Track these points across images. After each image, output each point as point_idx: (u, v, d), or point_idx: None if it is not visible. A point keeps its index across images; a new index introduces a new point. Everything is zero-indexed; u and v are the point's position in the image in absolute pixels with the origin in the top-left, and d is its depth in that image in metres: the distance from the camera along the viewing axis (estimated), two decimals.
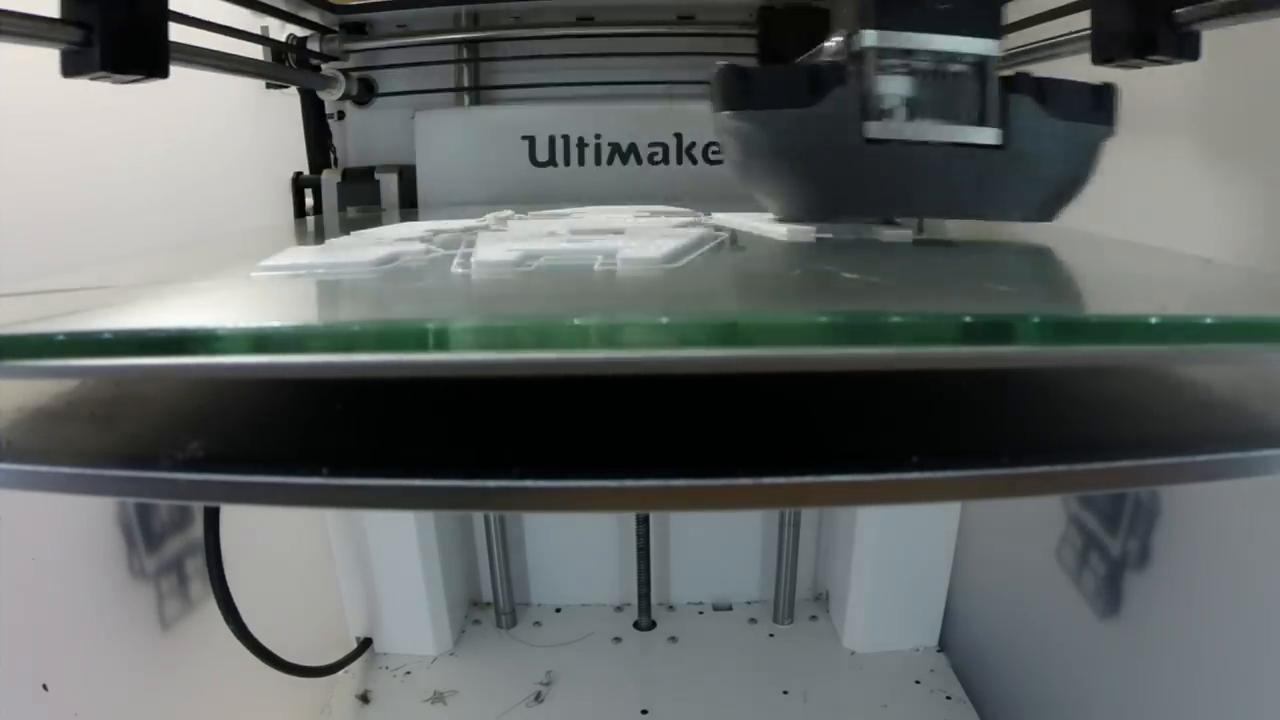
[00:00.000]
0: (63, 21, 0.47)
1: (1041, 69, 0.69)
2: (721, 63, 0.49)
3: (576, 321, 0.25)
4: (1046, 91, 0.48)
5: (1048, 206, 0.51)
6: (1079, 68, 0.55)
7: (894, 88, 0.48)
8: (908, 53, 0.48)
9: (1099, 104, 0.49)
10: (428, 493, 0.26)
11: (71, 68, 0.49)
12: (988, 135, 0.48)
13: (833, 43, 0.50)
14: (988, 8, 0.49)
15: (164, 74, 0.53)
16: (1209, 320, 0.27)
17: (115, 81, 0.51)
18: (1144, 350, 0.27)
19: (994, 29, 0.49)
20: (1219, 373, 0.35)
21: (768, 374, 0.27)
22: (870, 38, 0.47)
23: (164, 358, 0.25)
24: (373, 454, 0.28)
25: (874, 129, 0.48)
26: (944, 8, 0.47)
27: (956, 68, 0.48)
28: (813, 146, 0.48)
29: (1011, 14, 0.74)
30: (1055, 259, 0.53)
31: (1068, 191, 0.51)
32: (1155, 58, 0.51)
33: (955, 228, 0.59)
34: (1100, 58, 0.54)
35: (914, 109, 0.48)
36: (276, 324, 0.26)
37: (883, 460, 0.27)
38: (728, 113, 0.49)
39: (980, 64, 0.48)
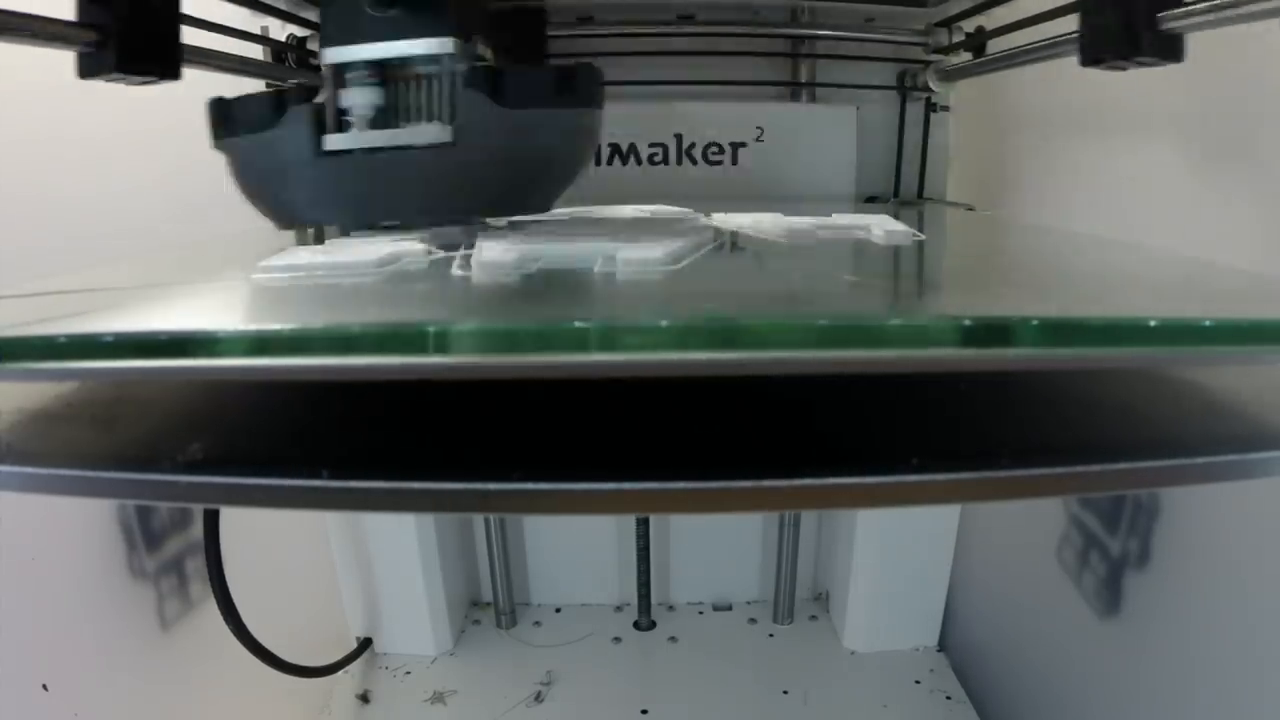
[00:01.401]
0: (79, 25, 0.49)
1: (1036, 70, 0.69)
2: (212, 95, 0.52)
3: (576, 324, 0.25)
4: (502, 82, 0.48)
5: (530, 197, 0.51)
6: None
7: (357, 99, 0.49)
8: (368, 64, 0.49)
9: (566, 87, 0.49)
10: (428, 495, 0.26)
11: (87, 70, 0.50)
12: (437, 133, 0.48)
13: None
14: (443, 9, 0.49)
15: (176, 75, 0.54)
16: (1208, 323, 0.27)
17: (129, 83, 0.52)
18: (1143, 353, 0.27)
19: (448, 28, 0.48)
20: (1219, 374, 0.35)
21: (767, 376, 0.27)
22: (330, 55, 0.49)
23: (165, 360, 0.25)
24: (373, 456, 0.28)
25: (332, 141, 0.49)
26: (390, 15, 0.48)
27: (418, 70, 0.49)
28: (275, 164, 0.50)
29: (1007, 15, 0.74)
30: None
31: (552, 179, 0.51)
32: (1140, 59, 0.52)
33: (955, 230, 0.59)
34: (1088, 59, 0.55)
35: (382, 116, 0.49)
36: (277, 327, 0.26)
37: (882, 462, 0.27)
38: (219, 142, 0.51)
39: (436, 63, 0.49)
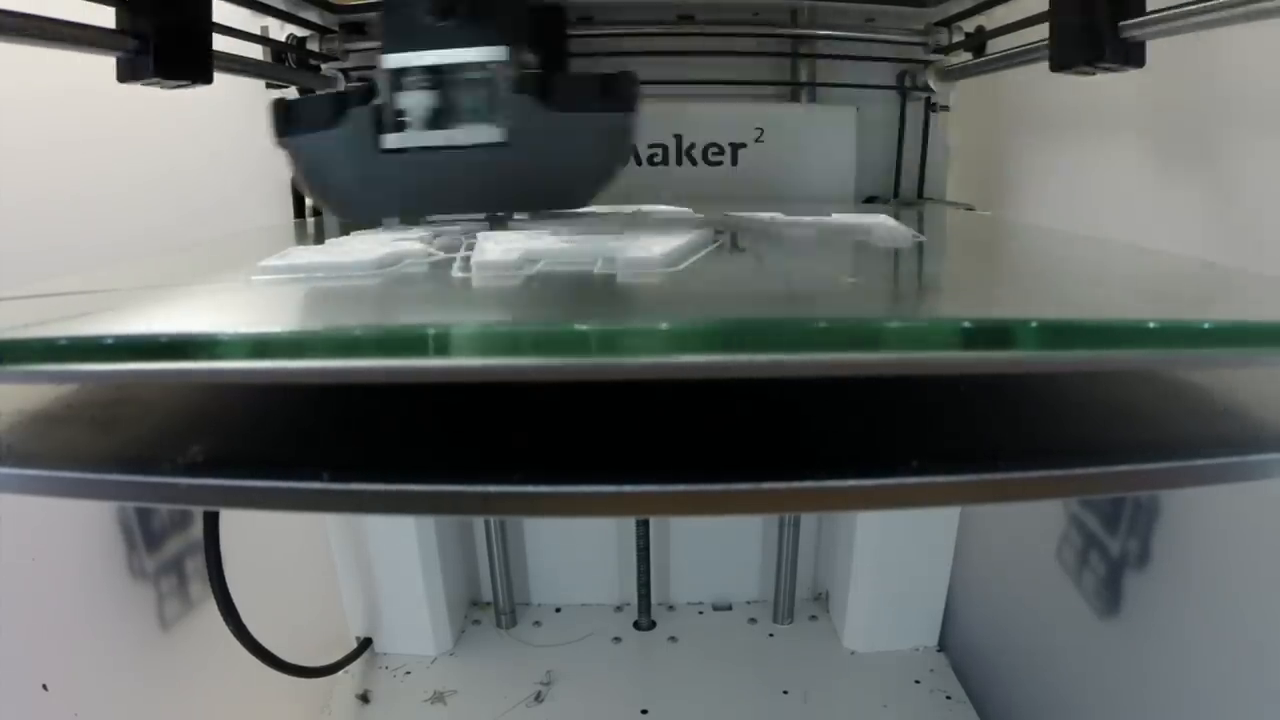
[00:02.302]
0: (119, 32, 0.52)
1: (1036, 70, 0.69)
2: (275, 95, 0.57)
3: (577, 327, 0.25)
4: (550, 88, 0.53)
5: (575, 192, 0.56)
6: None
7: (410, 101, 0.53)
8: (425, 70, 0.53)
9: (608, 93, 0.53)
10: (428, 497, 0.26)
11: (126, 74, 0.53)
12: (491, 134, 0.53)
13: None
14: (500, 20, 0.53)
15: (208, 80, 0.58)
16: (1206, 325, 0.27)
17: (165, 87, 0.56)
18: (1142, 355, 0.27)
19: (501, 38, 0.53)
20: (1218, 376, 0.35)
21: (767, 379, 0.27)
22: (389, 60, 0.53)
23: (165, 363, 0.25)
24: (373, 458, 0.28)
25: (390, 140, 0.53)
26: (449, 26, 0.52)
27: (471, 76, 0.54)
28: (337, 161, 0.54)
29: (1007, 15, 0.74)
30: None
31: (594, 176, 0.56)
32: (1104, 65, 0.55)
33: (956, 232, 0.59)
34: (1056, 65, 0.58)
35: (437, 118, 0.53)
36: (277, 329, 0.26)
37: (882, 465, 0.27)
38: (280, 140, 0.55)
39: (490, 70, 0.53)
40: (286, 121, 0.55)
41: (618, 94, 0.53)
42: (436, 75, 0.53)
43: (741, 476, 0.26)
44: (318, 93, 0.58)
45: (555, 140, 0.53)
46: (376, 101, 0.54)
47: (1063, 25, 0.57)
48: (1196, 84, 0.60)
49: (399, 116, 0.53)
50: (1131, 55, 0.54)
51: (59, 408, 0.33)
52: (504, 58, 0.52)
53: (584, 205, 0.57)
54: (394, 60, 0.53)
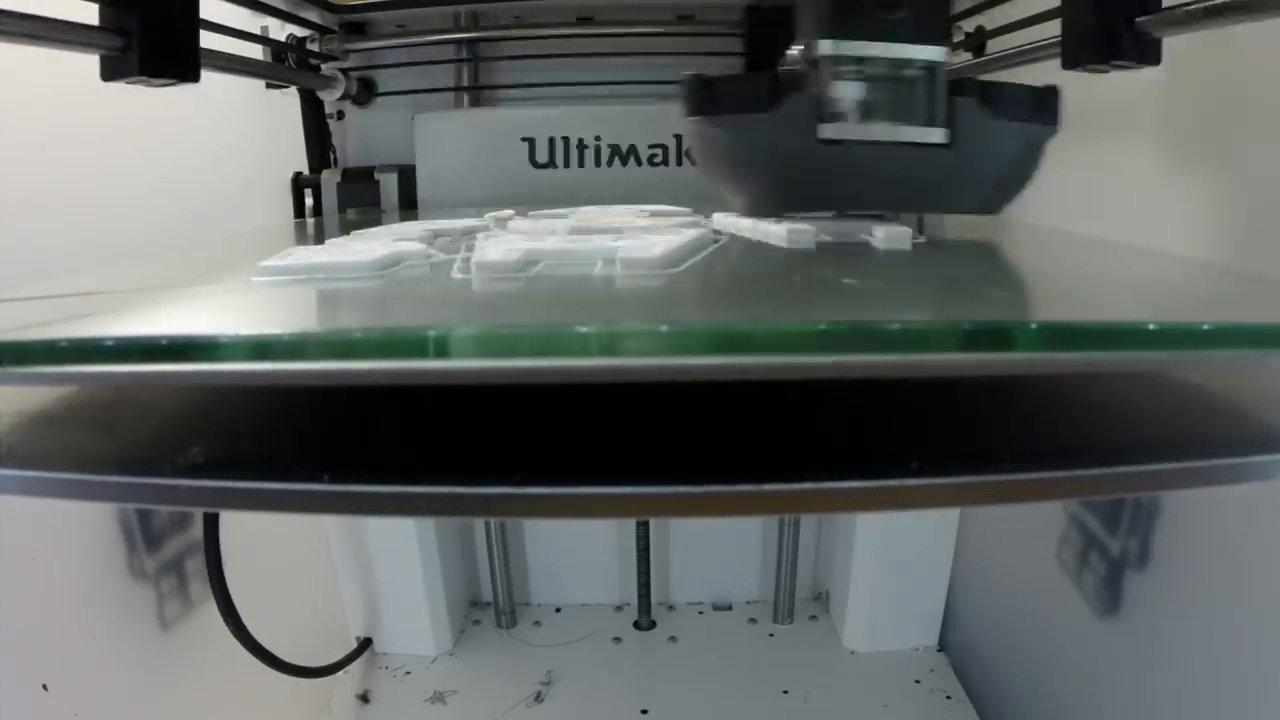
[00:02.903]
0: (103, 29, 0.50)
1: (1021, 73, 0.70)
2: (688, 72, 0.53)
3: (577, 329, 0.25)
4: (990, 94, 0.51)
5: (993, 200, 0.55)
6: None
7: (848, 92, 0.51)
8: (861, 60, 0.51)
9: (1040, 106, 0.52)
10: (429, 499, 0.26)
11: (111, 72, 0.52)
12: (935, 135, 0.51)
13: (795, 50, 0.54)
14: (937, 17, 0.52)
15: (195, 78, 0.56)
16: (1207, 326, 0.27)
17: (150, 85, 0.54)
18: (1142, 356, 0.27)
19: (942, 37, 0.52)
20: (1218, 377, 0.35)
21: (768, 381, 0.27)
22: (826, 47, 0.51)
23: (166, 365, 0.25)
24: (374, 460, 0.28)
25: (828, 130, 0.51)
26: (895, 18, 0.50)
27: (907, 73, 0.52)
28: (771, 147, 0.52)
29: (997, 19, 0.74)
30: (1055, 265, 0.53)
31: (1012, 186, 0.54)
32: (1119, 63, 0.53)
33: (954, 231, 0.59)
34: (1069, 63, 0.56)
35: (867, 111, 0.51)
36: (277, 331, 0.26)
37: (883, 466, 0.27)
38: (695, 118, 0.53)
39: (929, 69, 0.51)
40: (710, 100, 0.53)
41: (1048, 108, 0.53)
42: (870, 67, 0.51)
43: (742, 478, 0.26)
44: (740, 75, 0.56)
45: (993, 147, 0.52)
46: (816, 89, 0.51)
47: (1075, 21, 0.56)
48: (1204, 82, 0.59)
49: (832, 107, 0.52)
50: (1148, 52, 0.53)
51: (60, 408, 0.33)
52: (942, 58, 0.51)
53: (996, 213, 0.55)
54: (831, 47, 0.51)
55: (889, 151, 0.51)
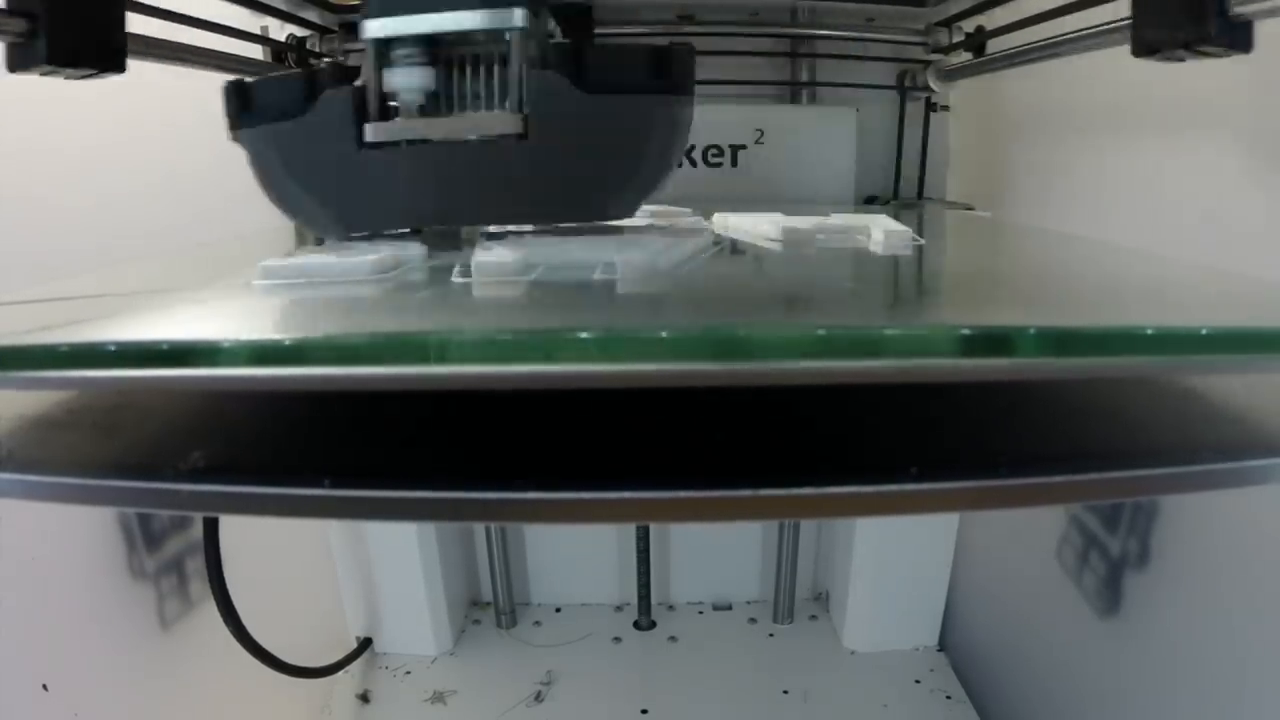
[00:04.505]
0: (6, 13, 0.43)
1: (1036, 69, 0.69)
2: (228, 79, 0.45)
3: (578, 335, 0.25)
4: (586, 63, 0.41)
5: (612, 200, 0.45)
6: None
7: (400, 81, 0.41)
8: (419, 39, 0.41)
9: (659, 69, 0.42)
10: (429, 504, 0.26)
11: (17, 63, 0.45)
12: (505, 123, 0.41)
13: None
14: None
15: (119, 69, 0.49)
16: (1205, 331, 0.27)
17: (67, 77, 0.47)
18: (1140, 362, 0.27)
19: None
20: (1217, 381, 0.35)
21: (767, 386, 0.27)
22: (370, 28, 0.41)
23: (166, 370, 0.25)
24: (374, 465, 0.28)
25: (373, 131, 0.42)
26: None
27: (475, 49, 0.42)
28: (307, 158, 0.43)
29: (1007, 15, 0.74)
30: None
31: (638, 177, 0.44)
32: (1204, 49, 0.45)
33: (956, 232, 0.59)
34: (1141, 49, 0.48)
35: (437, 102, 0.42)
36: (278, 336, 0.26)
37: (882, 471, 0.27)
38: (234, 133, 0.45)
39: (500, 40, 0.41)
40: (243, 109, 0.44)
41: (671, 72, 0.42)
42: (435, 47, 0.42)
43: (742, 483, 0.26)
44: (282, 75, 0.44)
45: (590, 131, 0.41)
46: (357, 82, 0.42)
47: (1152, 1, 0.47)
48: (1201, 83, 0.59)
49: (386, 101, 0.42)
50: (1238, 37, 0.44)
51: (60, 412, 0.33)
52: (520, 23, 0.40)
53: (626, 216, 0.46)
54: (378, 28, 0.41)
55: (452, 151, 0.42)
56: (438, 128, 0.42)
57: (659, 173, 0.45)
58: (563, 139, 0.41)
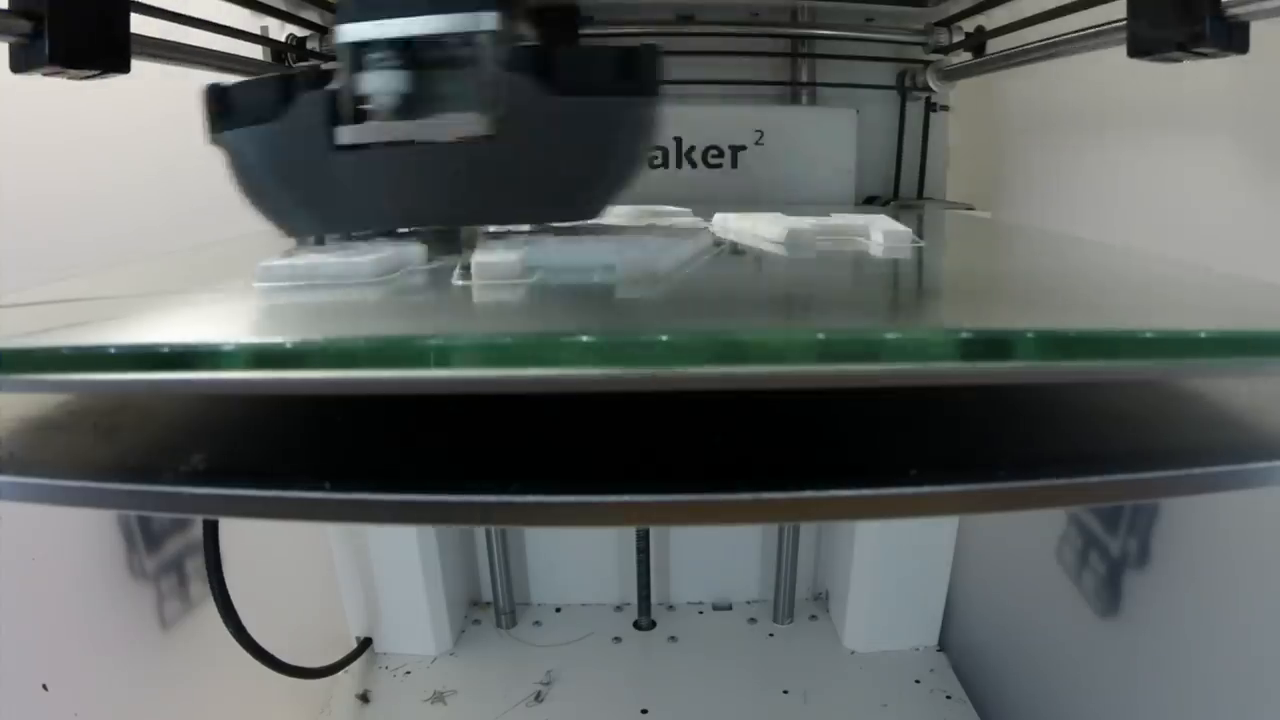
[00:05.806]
0: (10, 13, 0.43)
1: (1036, 69, 0.69)
2: (207, 83, 0.46)
3: (579, 339, 0.25)
4: (554, 65, 0.42)
5: (580, 200, 0.45)
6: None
7: (376, 84, 0.43)
8: (391, 43, 0.42)
9: (627, 71, 0.43)
10: (429, 508, 0.26)
11: (20, 63, 0.45)
12: (472, 124, 0.42)
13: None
14: None
15: (124, 69, 0.49)
16: (1204, 334, 0.27)
17: (70, 77, 0.47)
18: (1140, 365, 0.27)
19: (491, 1, 0.42)
20: (1218, 384, 0.35)
21: (767, 390, 0.27)
22: (344, 32, 0.43)
23: (168, 373, 0.26)
24: (374, 468, 0.28)
25: (346, 134, 0.43)
26: None
27: (451, 52, 0.43)
28: (283, 161, 0.44)
29: (1007, 15, 0.74)
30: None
31: (606, 178, 0.45)
32: (1200, 50, 0.45)
33: (956, 233, 0.59)
34: (1137, 50, 0.48)
35: (410, 105, 0.43)
36: (279, 340, 0.26)
37: (882, 474, 0.27)
38: (213, 136, 0.45)
39: (471, 43, 0.43)
40: (221, 113, 0.45)
41: (639, 74, 0.43)
42: (407, 51, 0.43)
43: (742, 486, 0.26)
44: (260, 79, 0.45)
45: (558, 132, 0.42)
46: (332, 86, 0.43)
47: (1148, 2, 0.48)
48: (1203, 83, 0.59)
49: (360, 104, 0.43)
50: (1235, 38, 0.45)
51: (61, 415, 0.33)
52: (492, 26, 0.42)
53: (593, 216, 0.47)
54: (352, 32, 0.42)
55: (423, 153, 0.43)
56: (409, 130, 0.43)
57: (627, 172, 0.46)
58: (531, 140, 0.42)
